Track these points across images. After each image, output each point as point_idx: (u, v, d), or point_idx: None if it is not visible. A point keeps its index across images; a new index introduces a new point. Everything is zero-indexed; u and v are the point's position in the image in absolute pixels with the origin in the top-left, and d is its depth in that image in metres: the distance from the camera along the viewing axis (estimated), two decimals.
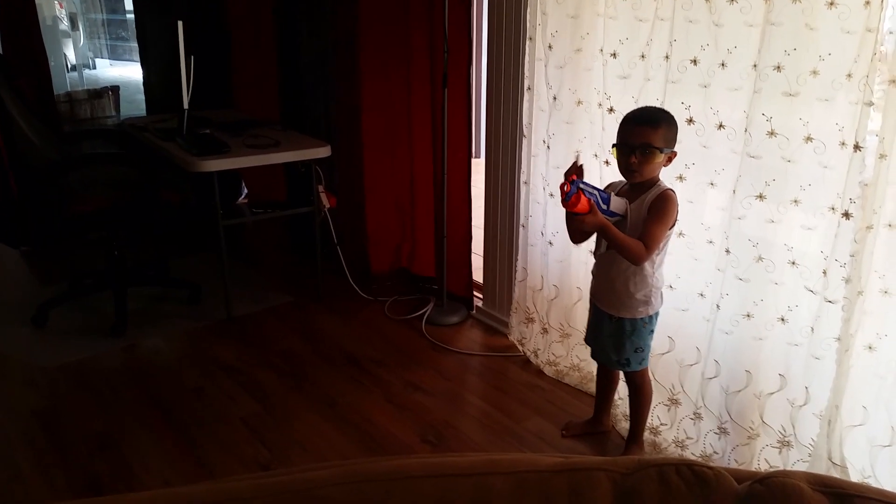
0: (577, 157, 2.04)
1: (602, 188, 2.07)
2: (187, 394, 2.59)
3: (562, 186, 1.87)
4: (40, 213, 2.89)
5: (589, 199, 1.85)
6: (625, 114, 1.96)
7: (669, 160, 1.94)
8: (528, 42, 2.53)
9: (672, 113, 1.95)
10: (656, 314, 2.08)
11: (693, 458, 1.64)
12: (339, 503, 0.78)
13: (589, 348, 2.29)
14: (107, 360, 2.81)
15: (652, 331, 2.10)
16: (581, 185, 1.85)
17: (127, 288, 3.16)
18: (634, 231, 1.95)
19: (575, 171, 1.94)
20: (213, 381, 2.68)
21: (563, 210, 1.91)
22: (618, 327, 2.09)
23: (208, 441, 2.33)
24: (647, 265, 1.98)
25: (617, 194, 2.03)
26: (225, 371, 2.75)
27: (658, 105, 2.06)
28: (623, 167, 1.94)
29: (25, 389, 2.61)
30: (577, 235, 2.06)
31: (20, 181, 2.79)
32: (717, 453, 2.17)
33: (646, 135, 1.87)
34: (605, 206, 1.92)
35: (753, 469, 1.83)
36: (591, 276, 2.19)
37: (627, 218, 1.96)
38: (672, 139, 1.92)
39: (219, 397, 2.57)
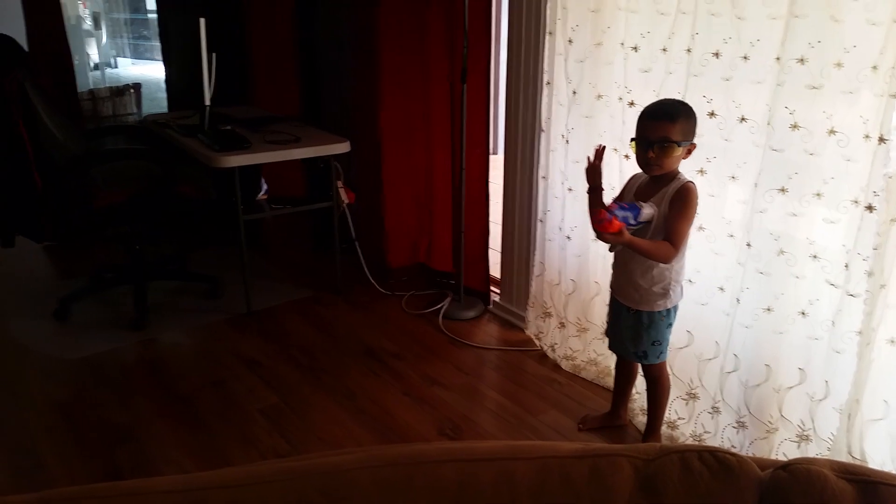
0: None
1: (619, 188, 2.05)
2: (207, 387, 2.61)
3: (602, 213, 1.85)
4: (63, 208, 2.93)
5: (621, 223, 1.85)
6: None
7: (689, 153, 1.93)
8: (547, 36, 2.53)
9: (691, 105, 1.93)
10: (675, 308, 2.07)
11: None
12: (361, 486, 0.79)
13: (607, 341, 2.29)
14: (127, 354, 2.84)
15: (670, 324, 2.09)
16: (617, 212, 1.86)
17: (147, 282, 3.19)
18: (657, 227, 1.94)
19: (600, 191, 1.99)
20: (232, 374, 2.70)
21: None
22: (636, 320, 2.08)
23: (228, 433, 2.34)
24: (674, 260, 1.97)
25: (638, 188, 2.02)
26: (244, 364, 2.77)
27: (679, 98, 2.05)
28: (641, 161, 1.93)
29: (47, 381, 2.64)
30: None
31: (44, 176, 2.83)
32: (734, 447, 2.15)
33: (663, 129, 1.86)
34: (634, 222, 1.91)
35: None
36: (608, 271, 2.19)
37: (653, 222, 1.95)
38: (690, 132, 1.91)
39: (238, 390, 2.59)
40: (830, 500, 0.75)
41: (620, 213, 1.87)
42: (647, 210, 1.93)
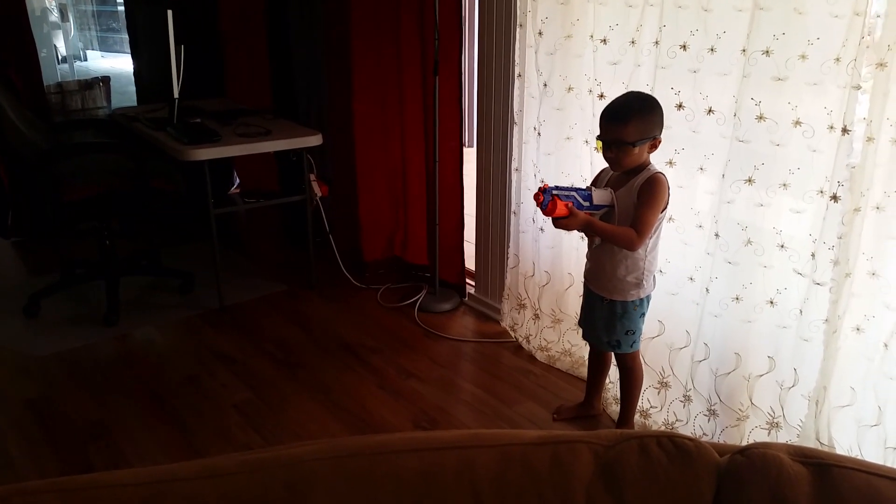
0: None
1: (591, 179, 2.09)
2: (180, 382, 2.59)
3: (535, 196, 1.91)
4: (31, 203, 2.88)
5: (566, 203, 1.90)
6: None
7: (654, 146, 1.95)
8: (518, 29, 2.53)
9: (653, 98, 1.95)
10: (648, 298, 2.09)
11: None
12: (324, 477, 0.79)
13: (581, 330, 2.31)
14: (99, 350, 2.81)
15: (643, 314, 2.11)
16: (555, 192, 1.90)
17: (119, 277, 3.15)
18: (625, 216, 1.96)
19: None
20: (206, 369, 2.68)
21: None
22: (609, 310, 2.10)
23: (201, 428, 2.33)
24: (639, 249, 1.99)
25: (609, 179, 2.04)
26: (218, 359, 2.75)
27: (648, 90, 2.06)
28: (605, 159, 1.97)
29: (18, 379, 2.61)
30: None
31: (10, 172, 2.79)
32: (706, 435, 2.18)
33: (615, 131, 1.89)
34: (587, 204, 1.95)
35: None
36: (581, 262, 2.20)
37: (615, 206, 1.97)
38: (648, 128, 1.91)
39: (212, 385, 2.58)
40: (786, 483, 0.76)
41: (562, 193, 1.90)
42: (601, 193, 1.97)
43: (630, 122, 1.88)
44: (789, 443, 1.96)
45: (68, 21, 7.87)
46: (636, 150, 1.90)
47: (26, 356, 2.75)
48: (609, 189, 1.99)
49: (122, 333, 2.94)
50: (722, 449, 0.82)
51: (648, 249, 2.02)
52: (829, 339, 1.82)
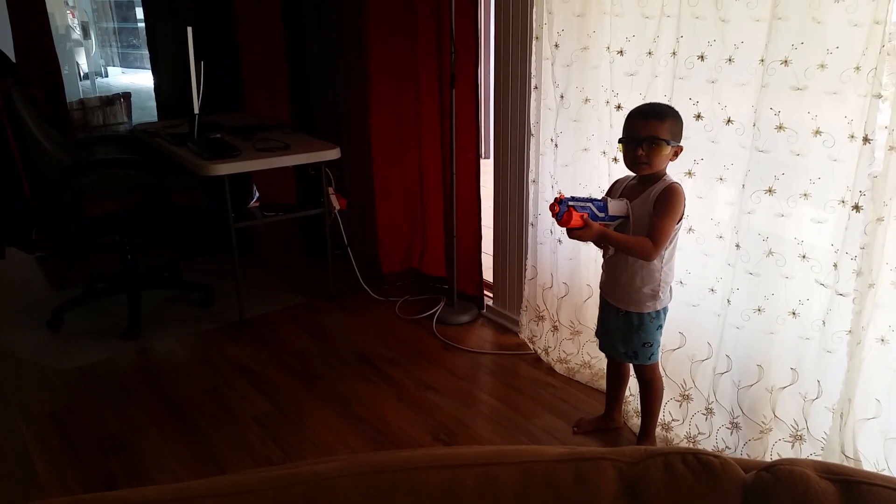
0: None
1: (607, 189, 2.09)
2: (201, 395, 2.61)
3: (551, 207, 1.91)
4: (54, 218, 2.92)
5: (581, 214, 1.90)
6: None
7: (676, 154, 1.95)
8: (534, 41, 2.54)
9: (677, 109, 1.95)
10: (665, 309, 2.08)
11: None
12: (346, 494, 0.79)
13: (598, 342, 2.30)
14: (121, 363, 2.83)
15: (660, 326, 2.09)
16: (571, 203, 1.90)
17: (140, 291, 3.18)
18: (640, 227, 1.96)
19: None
20: (226, 381, 2.70)
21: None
22: (625, 321, 2.09)
23: (222, 441, 2.34)
24: (655, 260, 1.98)
25: (623, 190, 2.04)
26: (238, 372, 2.76)
27: (666, 101, 2.06)
28: (630, 160, 1.95)
29: (41, 392, 2.64)
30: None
31: (34, 187, 2.83)
32: (729, 448, 2.16)
33: (652, 127, 1.89)
34: (602, 214, 1.95)
35: None
36: (599, 273, 2.20)
37: (631, 216, 1.97)
38: (678, 133, 1.93)
39: (232, 398, 2.59)
40: (813, 500, 0.75)
41: (577, 205, 1.90)
42: (616, 203, 1.96)
43: (666, 120, 1.89)
44: (815, 458, 1.93)
45: (90, 38, 8.00)
46: (667, 150, 1.89)
47: (50, 369, 2.78)
48: (625, 200, 1.99)
49: (144, 347, 2.96)
50: (747, 465, 0.81)
51: (664, 261, 2.01)
52: (852, 351, 1.80)
